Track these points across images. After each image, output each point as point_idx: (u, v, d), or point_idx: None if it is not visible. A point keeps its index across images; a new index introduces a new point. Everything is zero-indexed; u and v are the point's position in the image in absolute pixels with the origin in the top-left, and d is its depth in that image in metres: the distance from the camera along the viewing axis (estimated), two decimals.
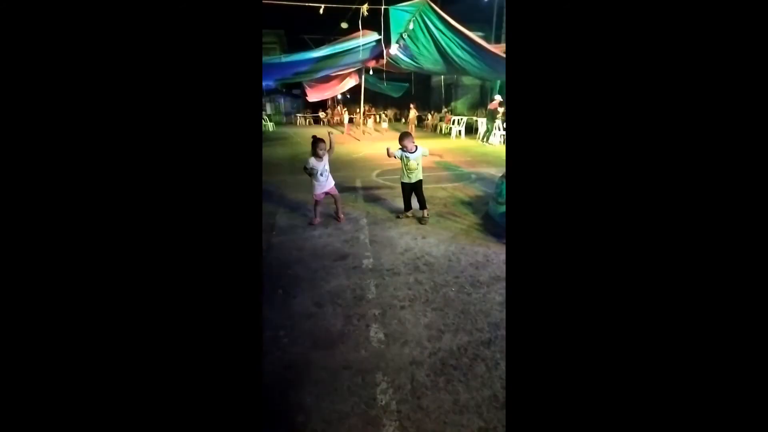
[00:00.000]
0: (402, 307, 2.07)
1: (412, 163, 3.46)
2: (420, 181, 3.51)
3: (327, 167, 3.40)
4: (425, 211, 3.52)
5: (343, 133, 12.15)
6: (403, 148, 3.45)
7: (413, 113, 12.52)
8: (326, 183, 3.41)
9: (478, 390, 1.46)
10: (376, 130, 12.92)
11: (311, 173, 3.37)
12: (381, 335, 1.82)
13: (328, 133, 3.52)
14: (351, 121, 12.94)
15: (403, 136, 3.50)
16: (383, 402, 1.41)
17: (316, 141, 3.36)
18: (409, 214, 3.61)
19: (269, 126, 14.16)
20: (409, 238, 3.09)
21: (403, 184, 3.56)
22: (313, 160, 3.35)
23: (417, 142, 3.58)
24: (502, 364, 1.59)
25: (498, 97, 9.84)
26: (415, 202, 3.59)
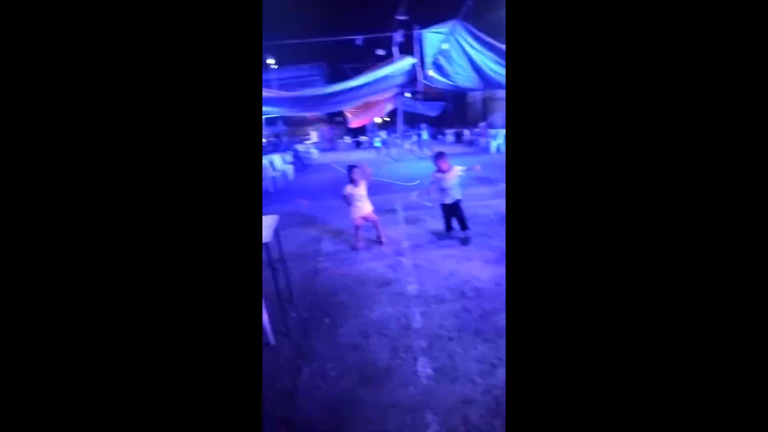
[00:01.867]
0: (450, 338, 1.97)
1: (446, 183, 3.40)
2: (458, 201, 3.43)
3: (364, 193, 3.46)
4: (468, 231, 3.42)
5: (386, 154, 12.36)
6: (438, 169, 3.41)
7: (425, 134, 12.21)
8: (364, 207, 3.46)
9: None
10: (411, 150, 12.99)
11: (348, 200, 3.44)
12: (429, 370, 1.74)
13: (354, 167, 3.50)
14: (386, 143, 13.15)
15: (437, 156, 3.46)
16: None
17: (351, 168, 3.44)
18: (450, 234, 3.53)
19: (315, 153, 14.83)
20: (453, 261, 3.00)
21: (441, 205, 3.52)
22: (350, 187, 3.43)
23: (457, 159, 3.52)
24: None
25: None
26: (456, 223, 3.50)
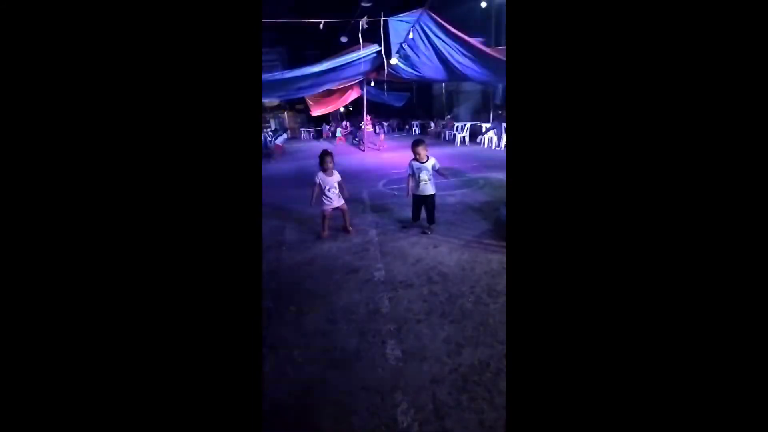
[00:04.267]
0: (418, 321, 2.00)
1: (423, 175, 3.27)
2: (432, 196, 3.33)
3: (335, 183, 3.34)
4: (432, 225, 3.38)
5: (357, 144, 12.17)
6: (416, 157, 3.32)
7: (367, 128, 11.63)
8: (336, 199, 3.36)
9: (504, 407, 1.38)
10: (371, 142, 12.88)
11: (320, 189, 3.32)
12: (398, 352, 1.75)
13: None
14: (351, 133, 12.82)
15: (416, 143, 3.31)
16: (405, 424, 1.35)
17: (324, 155, 3.33)
18: (415, 224, 3.53)
19: (274, 141, 14.29)
20: (420, 248, 3.03)
21: (414, 195, 3.40)
22: (321, 175, 3.31)
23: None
24: None
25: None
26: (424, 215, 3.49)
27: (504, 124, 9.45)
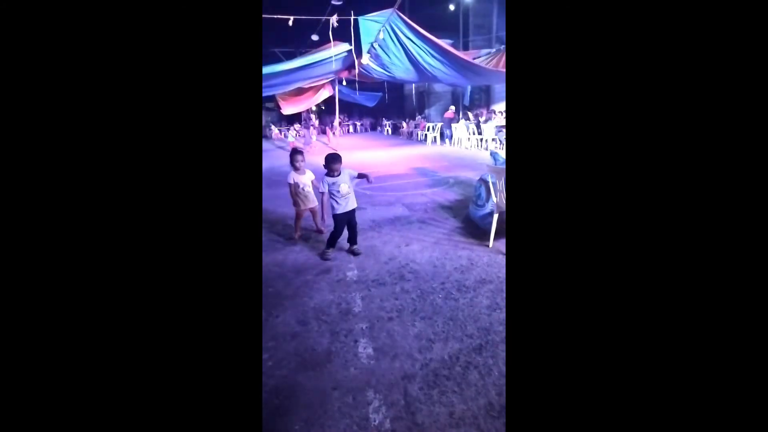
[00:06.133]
0: (390, 319, 2.01)
1: (344, 187, 2.77)
2: (354, 210, 2.88)
3: (309, 182, 3.26)
4: (355, 246, 2.94)
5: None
6: (330, 173, 2.77)
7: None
8: (310, 198, 3.30)
9: (473, 399, 1.42)
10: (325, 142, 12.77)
11: (294, 189, 3.25)
12: (370, 350, 1.75)
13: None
14: (324, 132, 12.73)
15: (330, 159, 2.77)
16: (377, 421, 1.35)
17: (295, 153, 3.27)
18: (331, 252, 2.88)
19: None
20: (393, 247, 3.05)
21: (335, 215, 2.81)
22: (294, 175, 3.24)
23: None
24: (495, 370, 1.56)
25: (452, 107, 11.36)
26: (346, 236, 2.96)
27: (453, 123, 9.91)
